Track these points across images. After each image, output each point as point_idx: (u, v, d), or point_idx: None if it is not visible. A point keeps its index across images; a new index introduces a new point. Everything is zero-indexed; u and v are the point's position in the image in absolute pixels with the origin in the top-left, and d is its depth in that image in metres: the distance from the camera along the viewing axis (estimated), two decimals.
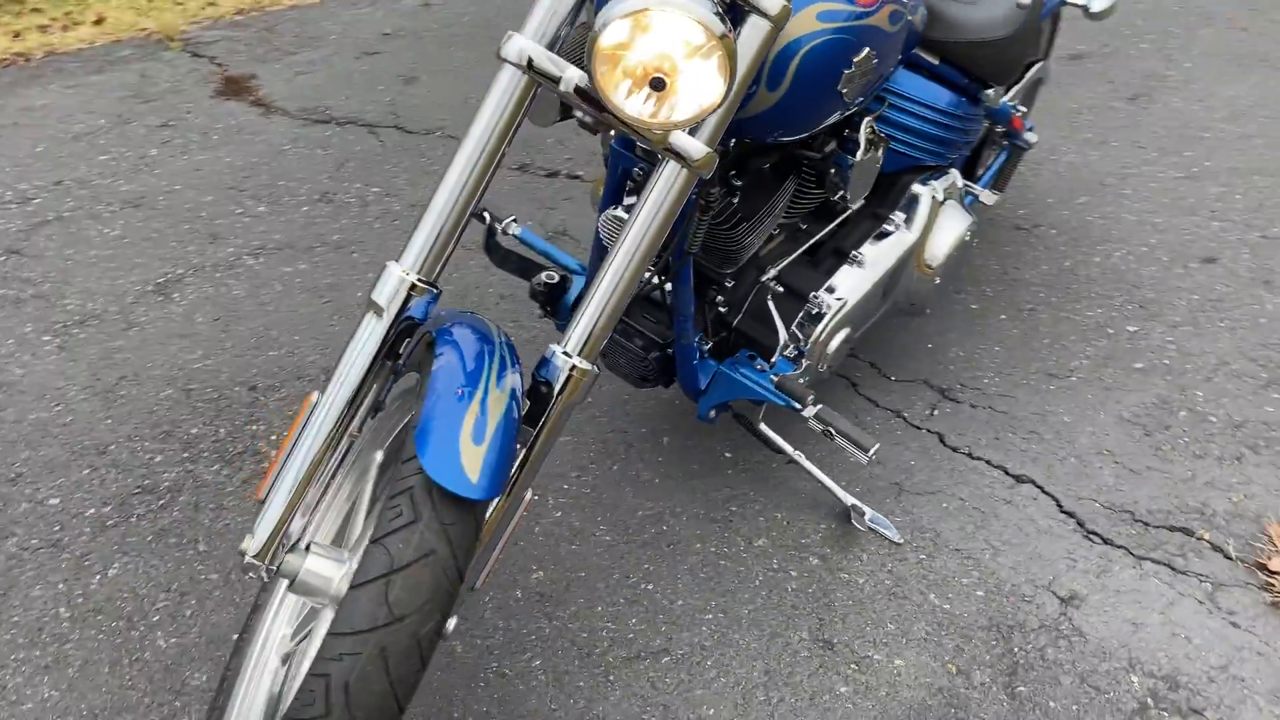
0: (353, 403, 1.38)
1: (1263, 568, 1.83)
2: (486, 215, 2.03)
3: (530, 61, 1.30)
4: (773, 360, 1.88)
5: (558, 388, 1.34)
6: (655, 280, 1.87)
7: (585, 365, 1.35)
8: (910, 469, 2.06)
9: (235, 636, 1.65)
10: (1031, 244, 2.75)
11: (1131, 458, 2.08)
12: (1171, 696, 1.62)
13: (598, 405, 2.25)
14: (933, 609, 1.79)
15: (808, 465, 1.95)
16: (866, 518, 1.92)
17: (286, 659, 1.44)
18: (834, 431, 1.80)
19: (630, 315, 1.95)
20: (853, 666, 1.70)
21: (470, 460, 1.19)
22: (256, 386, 2.33)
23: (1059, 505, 1.98)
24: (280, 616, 1.47)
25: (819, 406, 1.81)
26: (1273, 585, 1.80)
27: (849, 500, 1.94)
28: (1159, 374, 2.29)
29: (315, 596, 1.30)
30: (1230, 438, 2.12)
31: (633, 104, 1.26)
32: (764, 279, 1.90)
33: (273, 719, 1.40)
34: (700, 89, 1.24)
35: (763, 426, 1.98)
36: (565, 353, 1.36)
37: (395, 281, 1.38)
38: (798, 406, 1.81)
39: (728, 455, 2.13)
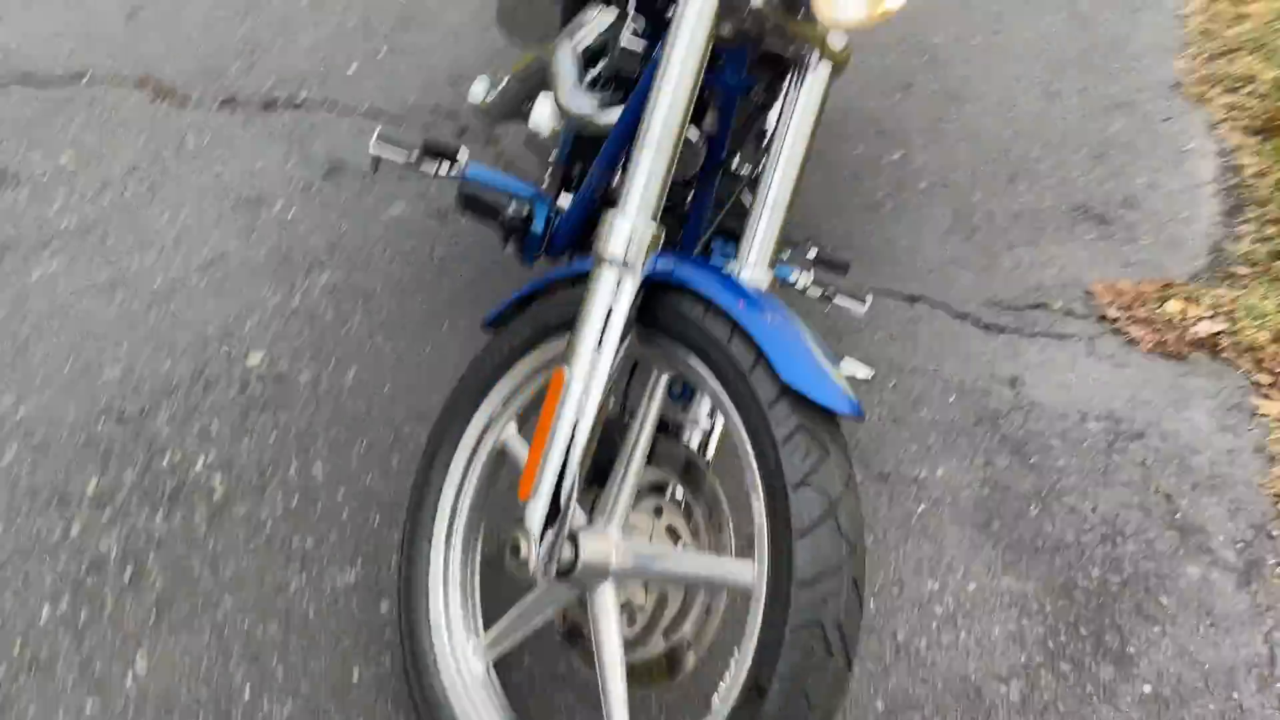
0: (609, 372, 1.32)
1: (1103, 318, 2.37)
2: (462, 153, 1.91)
3: None
4: None
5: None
6: None
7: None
8: (829, 316, 2.32)
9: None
10: None
11: (971, 260, 2.52)
12: (1120, 429, 2.11)
13: None
14: (932, 423, 2.10)
15: None
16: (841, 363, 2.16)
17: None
18: (835, 290, 1.99)
19: None
20: (912, 487, 1.97)
21: (839, 381, 1.23)
22: None
23: (951, 311, 2.37)
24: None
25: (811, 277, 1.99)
26: (1119, 328, 2.34)
27: None
28: (938, 190, 2.74)
29: (593, 578, 1.29)
30: (1018, 226, 2.64)
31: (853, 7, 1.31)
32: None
33: None
34: None
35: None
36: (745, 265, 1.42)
37: (638, 233, 1.31)
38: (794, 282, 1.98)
39: None
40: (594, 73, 1.94)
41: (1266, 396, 2.20)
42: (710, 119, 1.68)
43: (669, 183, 1.34)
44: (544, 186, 2.08)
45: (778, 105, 1.88)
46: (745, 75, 1.61)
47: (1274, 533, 1.93)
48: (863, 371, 2.14)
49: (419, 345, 2.20)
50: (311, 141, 2.74)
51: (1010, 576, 1.83)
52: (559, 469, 1.29)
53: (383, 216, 2.52)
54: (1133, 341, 2.32)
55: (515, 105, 2.27)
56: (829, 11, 1.31)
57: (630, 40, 1.70)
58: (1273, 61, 3.38)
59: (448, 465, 1.57)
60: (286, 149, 2.70)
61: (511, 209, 1.94)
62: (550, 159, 2.04)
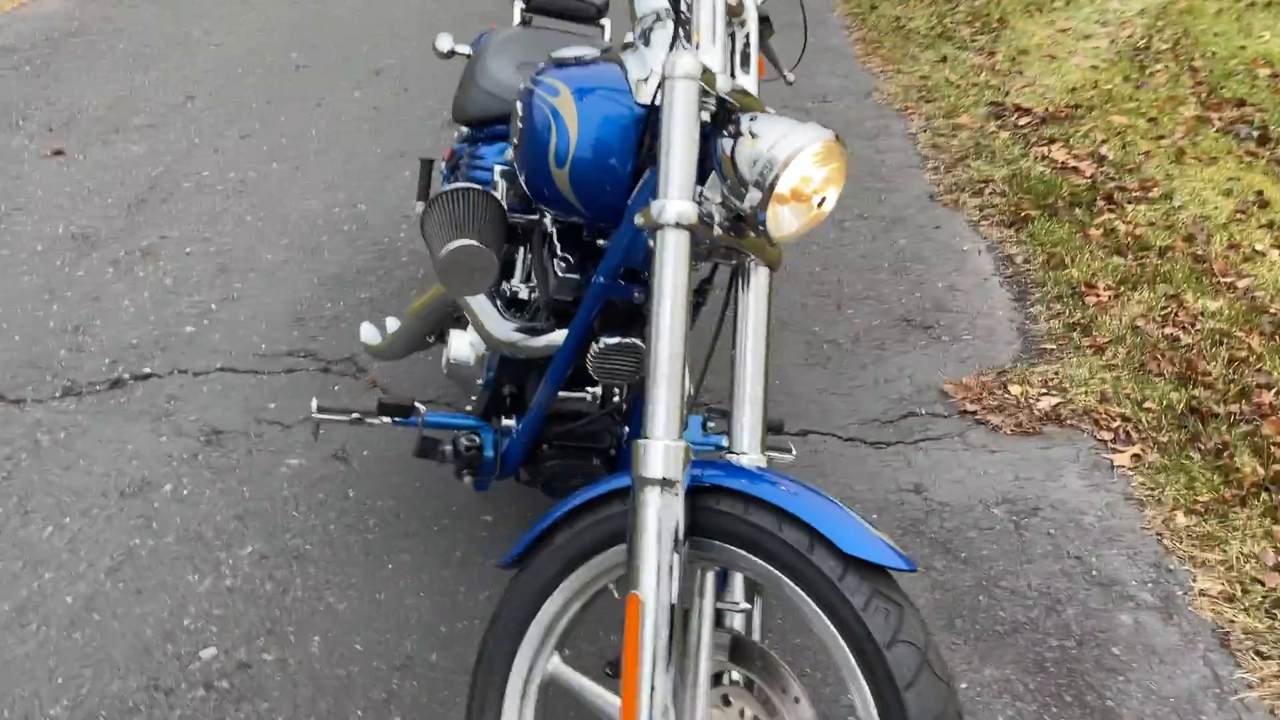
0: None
1: (964, 412, 2.69)
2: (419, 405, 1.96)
3: (689, 219, 1.43)
4: None
5: None
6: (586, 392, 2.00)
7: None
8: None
9: None
10: None
11: (836, 387, 2.78)
12: (1018, 508, 2.39)
13: None
14: None
15: None
16: None
17: None
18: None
19: (567, 437, 2.04)
20: None
21: (886, 538, 1.39)
22: None
23: (840, 437, 2.60)
24: None
25: None
26: (980, 419, 2.66)
27: None
28: (784, 330, 3.01)
29: None
30: (861, 348, 2.94)
31: (789, 223, 1.50)
32: None
33: None
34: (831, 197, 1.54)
35: None
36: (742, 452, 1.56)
37: (672, 451, 1.42)
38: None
39: None
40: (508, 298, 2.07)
41: (1115, 450, 2.55)
42: None
43: (683, 398, 1.47)
44: (470, 409, 2.16)
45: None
46: None
47: (1170, 567, 2.24)
48: None
49: (371, 593, 2.18)
50: (177, 413, 2.67)
51: (990, 667, 2.02)
52: (650, 689, 1.36)
53: (282, 471, 2.49)
54: (995, 428, 2.63)
55: (419, 341, 2.34)
56: (780, 232, 1.50)
57: (563, 275, 1.82)
58: (996, 163, 3.96)
59: (499, 714, 1.59)
60: (153, 426, 2.62)
61: (463, 442, 2.00)
62: (479, 382, 2.11)
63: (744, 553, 1.43)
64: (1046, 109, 4.43)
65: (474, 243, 1.80)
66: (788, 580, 1.39)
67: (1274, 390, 2.68)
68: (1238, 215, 3.61)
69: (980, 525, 2.34)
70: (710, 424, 2.16)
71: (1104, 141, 4.13)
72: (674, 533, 1.41)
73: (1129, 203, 3.66)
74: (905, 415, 2.69)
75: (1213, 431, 2.56)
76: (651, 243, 1.49)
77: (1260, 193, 3.74)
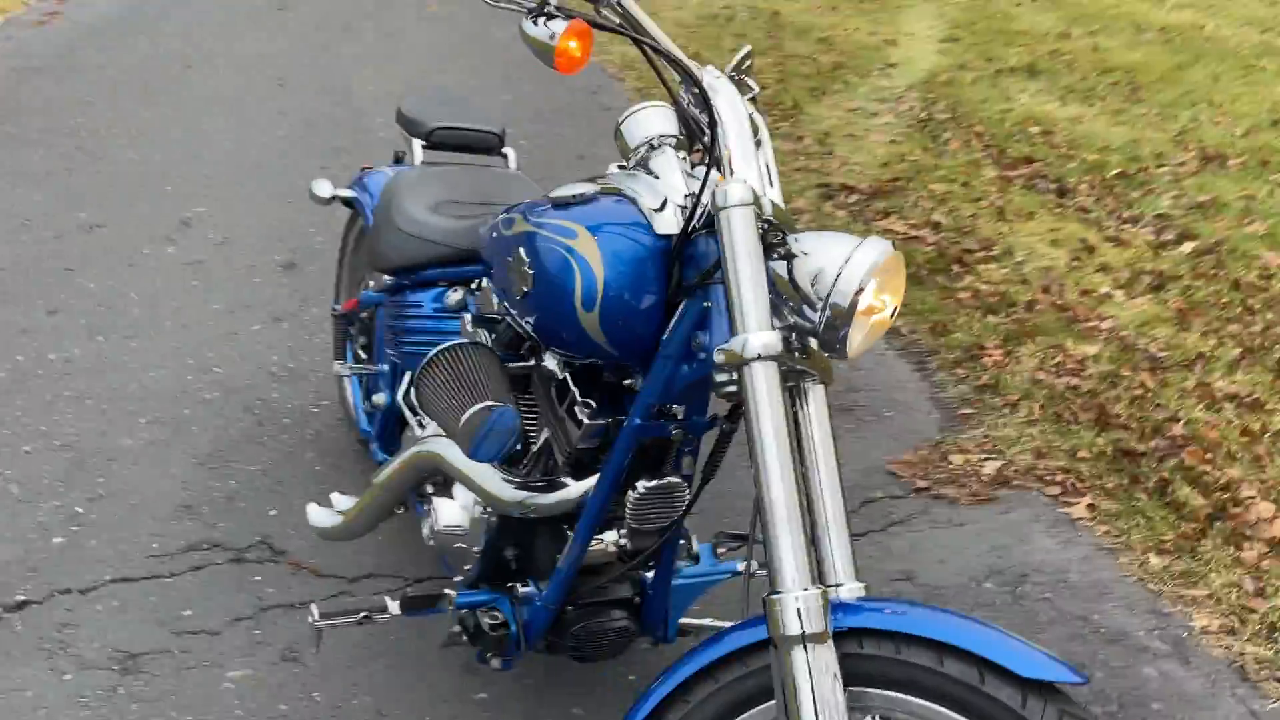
0: None
1: (918, 490, 2.69)
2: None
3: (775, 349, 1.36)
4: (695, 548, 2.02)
5: None
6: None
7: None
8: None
9: None
10: None
11: None
12: (1006, 579, 2.40)
13: None
14: None
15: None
16: None
17: None
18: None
19: (587, 595, 1.87)
20: None
21: (1053, 654, 1.33)
22: None
23: None
24: None
25: None
26: (936, 494, 2.67)
27: None
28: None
29: None
30: None
31: (862, 337, 1.45)
32: None
33: None
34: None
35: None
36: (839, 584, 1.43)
37: (813, 601, 1.31)
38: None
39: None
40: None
41: (1067, 504, 2.63)
42: (687, 462, 1.73)
43: (808, 540, 1.36)
44: (464, 580, 1.95)
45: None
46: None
47: (1165, 610, 2.31)
48: None
49: None
50: (74, 642, 2.28)
51: None
52: None
53: (226, 687, 2.16)
54: (953, 501, 2.66)
55: (386, 513, 2.11)
56: (854, 348, 1.44)
57: (590, 420, 1.69)
58: None
59: None
60: (50, 663, 2.22)
61: (486, 621, 1.80)
62: (474, 550, 1.91)
63: (905, 696, 1.33)
64: (870, 185, 4.65)
65: (497, 404, 1.65)
66: (957, 715, 1.30)
67: (1181, 422, 2.85)
68: (1073, 263, 3.88)
69: (981, 602, 2.33)
70: (720, 549, 2.05)
71: (933, 209, 4.37)
72: (832, 688, 1.30)
73: (978, 263, 3.87)
74: (865, 502, 2.67)
75: (1147, 469, 2.69)
76: (722, 377, 1.42)
77: (1084, 240, 4.05)
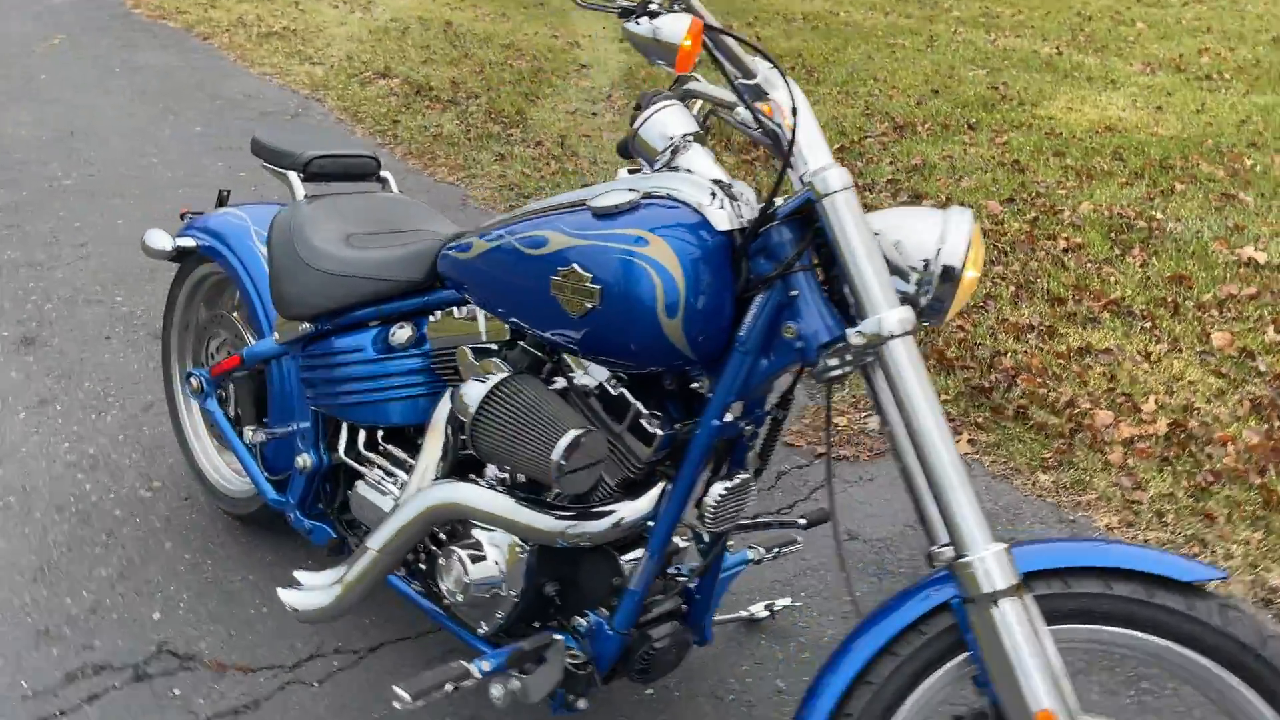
0: None
1: (819, 455, 2.81)
2: None
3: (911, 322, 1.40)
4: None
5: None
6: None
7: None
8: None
9: None
10: None
11: None
12: None
13: None
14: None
15: None
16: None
17: None
18: (779, 546, 2.11)
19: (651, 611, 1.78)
20: None
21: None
22: None
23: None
24: None
25: None
26: (837, 457, 2.80)
27: None
28: None
29: None
30: None
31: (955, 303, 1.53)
32: None
33: None
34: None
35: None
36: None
37: (1003, 556, 1.34)
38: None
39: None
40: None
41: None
42: (751, 456, 1.70)
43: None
44: (490, 630, 1.80)
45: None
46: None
47: (1071, 518, 2.57)
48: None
49: None
50: None
51: None
52: None
53: None
54: (854, 459, 2.80)
55: (383, 577, 1.88)
56: (947, 315, 1.50)
57: (665, 431, 1.61)
58: None
59: None
60: None
61: (569, 662, 1.68)
62: (511, 594, 1.76)
63: (1085, 625, 1.40)
64: None
65: (581, 433, 1.54)
66: (1138, 633, 1.38)
67: (1005, 355, 3.18)
68: None
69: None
70: (730, 542, 2.04)
71: None
72: (1039, 635, 1.35)
73: None
74: (779, 475, 2.74)
75: (1002, 401, 2.97)
76: (833, 361, 1.42)
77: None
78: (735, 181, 1.59)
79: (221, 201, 2.54)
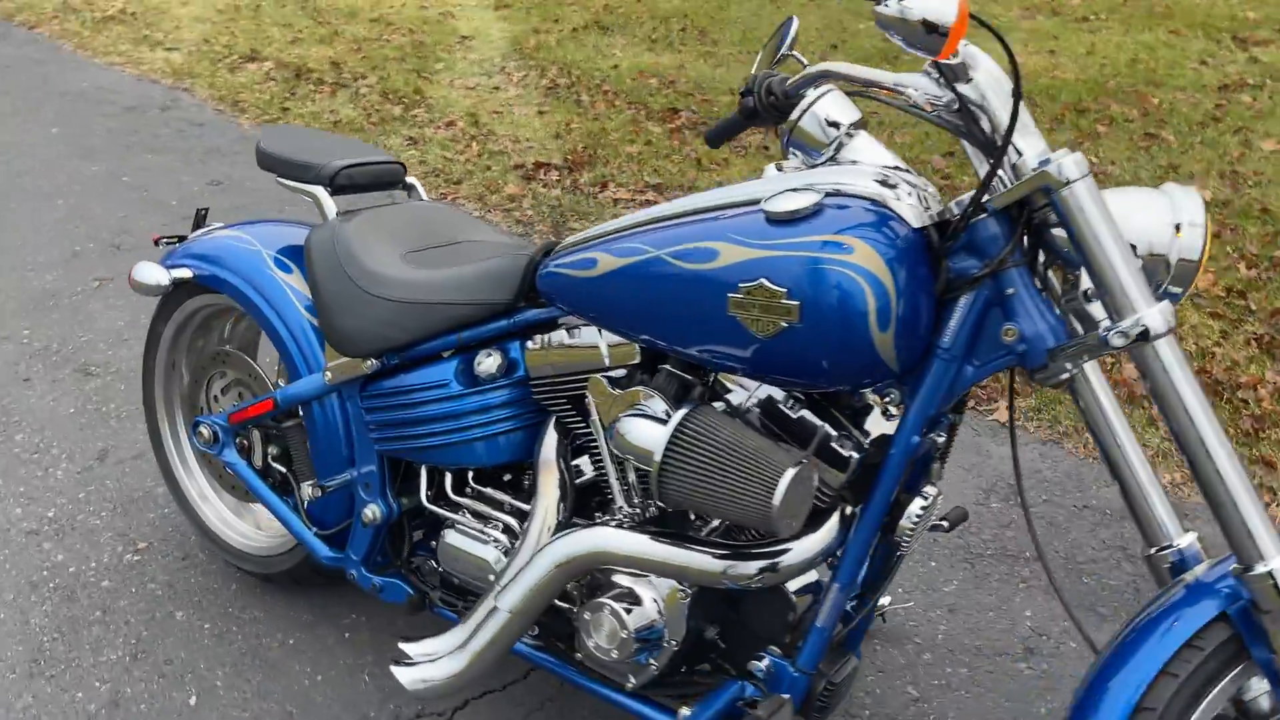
0: None
1: None
2: None
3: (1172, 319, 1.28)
4: None
5: None
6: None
7: None
8: None
9: None
10: None
11: None
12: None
13: None
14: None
15: None
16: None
17: None
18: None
19: None
20: None
21: None
22: None
23: None
24: None
25: None
26: None
27: None
28: None
29: None
30: None
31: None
32: None
33: None
34: None
35: None
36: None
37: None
38: None
39: None
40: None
41: (988, 411, 2.78)
42: (936, 468, 1.56)
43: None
44: (640, 683, 1.62)
45: None
46: None
47: None
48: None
49: None
50: None
51: None
52: None
53: None
54: None
55: (515, 641, 1.66)
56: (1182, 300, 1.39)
57: (864, 449, 1.46)
58: (591, 221, 3.95)
59: None
60: None
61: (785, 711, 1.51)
62: (671, 644, 1.58)
63: None
64: (563, 158, 4.51)
65: (800, 469, 1.37)
66: None
67: None
68: None
69: (1003, 521, 2.41)
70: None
71: (641, 172, 4.35)
72: None
73: None
74: None
75: None
76: (1065, 364, 1.31)
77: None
78: (910, 170, 1.45)
79: (200, 222, 2.21)
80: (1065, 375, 1.34)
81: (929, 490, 1.51)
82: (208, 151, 4.78)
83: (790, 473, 1.36)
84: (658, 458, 1.42)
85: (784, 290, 1.34)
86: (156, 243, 2.23)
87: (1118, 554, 2.29)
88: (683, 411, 1.44)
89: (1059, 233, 1.34)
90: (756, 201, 1.41)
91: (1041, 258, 1.40)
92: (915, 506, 1.48)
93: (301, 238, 2.04)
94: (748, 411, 1.51)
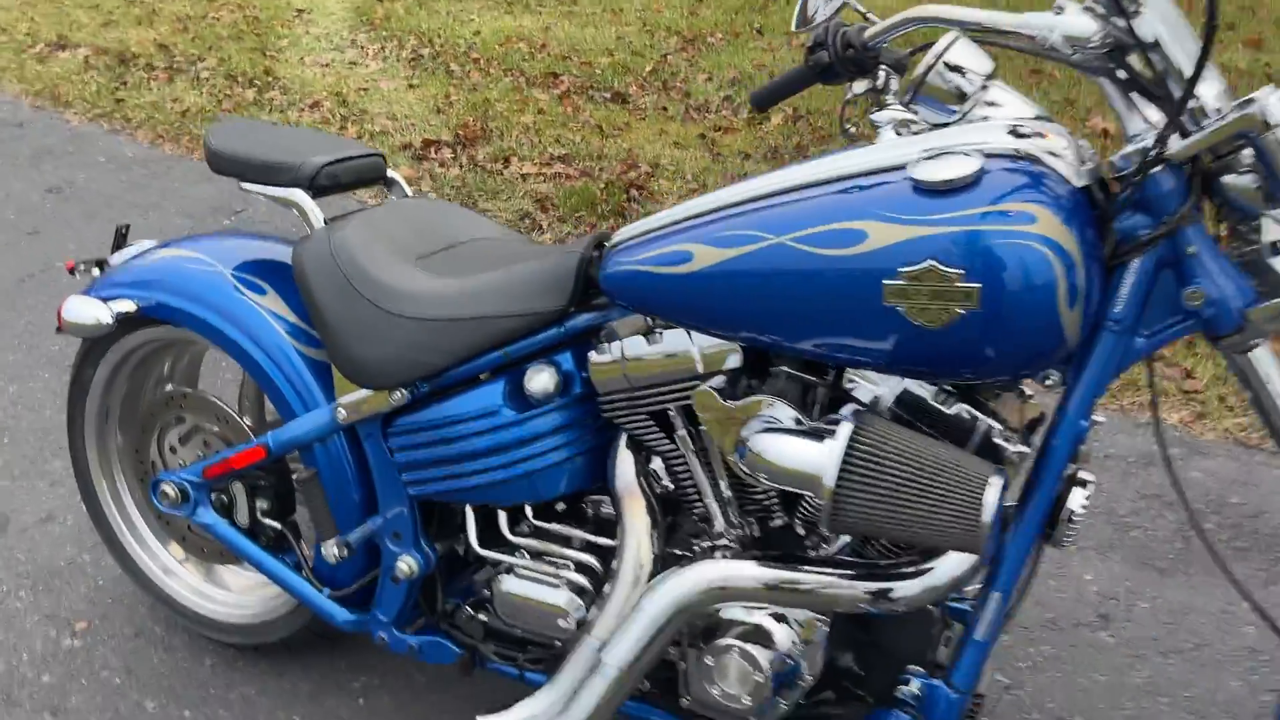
0: None
1: None
2: None
3: None
4: None
5: None
6: None
7: None
8: None
9: None
10: None
11: None
12: None
13: None
14: None
15: None
16: None
17: None
18: None
19: None
20: None
21: None
22: None
23: None
24: None
25: None
26: None
27: None
28: None
29: None
30: None
31: None
32: None
33: None
34: None
35: None
36: None
37: None
38: None
39: None
40: None
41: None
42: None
43: None
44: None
45: None
46: None
47: None
48: None
49: None
50: None
51: None
52: None
53: None
54: None
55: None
56: None
57: (1019, 450, 1.30)
58: (501, 199, 3.68)
59: None
60: None
61: None
62: (810, 676, 1.39)
63: None
64: (452, 134, 4.18)
65: (1000, 476, 1.20)
66: None
67: None
68: (713, 157, 3.92)
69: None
70: None
71: (542, 144, 4.08)
72: None
73: (648, 184, 3.72)
74: None
75: None
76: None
77: (703, 136, 4.10)
78: (1056, 122, 1.28)
79: (121, 241, 1.85)
80: (1260, 339, 1.22)
81: (1086, 476, 1.37)
82: (36, 154, 4.21)
83: (996, 482, 1.18)
84: (829, 482, 1.22)
85: (959, 272, 1.15)
86: (72, 270, 1.85)
87: (1155, 504, 2.23)
88: (848, 424, 1.23)
89: (1238, 180, 1.20)
90: (894, 170, 1.22)
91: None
92: (1079, 497, 1.34)
93: (265, 251, 1.72)
94: (907, 411, 1.33)
